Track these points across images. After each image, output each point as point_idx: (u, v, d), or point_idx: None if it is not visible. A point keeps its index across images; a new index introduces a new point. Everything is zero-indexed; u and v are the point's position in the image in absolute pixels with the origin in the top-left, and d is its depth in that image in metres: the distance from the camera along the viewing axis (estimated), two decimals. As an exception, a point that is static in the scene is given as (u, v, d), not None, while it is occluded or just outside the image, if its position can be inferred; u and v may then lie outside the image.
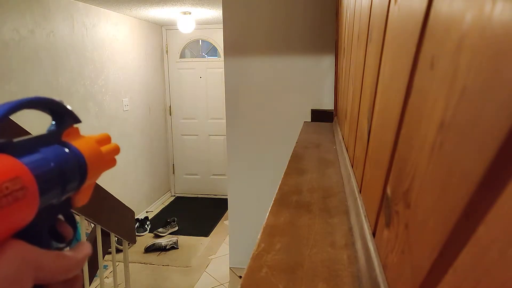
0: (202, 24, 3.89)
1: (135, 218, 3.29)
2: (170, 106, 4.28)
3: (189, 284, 2.72)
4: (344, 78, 1.23)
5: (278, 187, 0.82)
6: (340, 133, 1.21)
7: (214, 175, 4.36)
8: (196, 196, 4.43)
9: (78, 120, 0.29)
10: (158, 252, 3.14)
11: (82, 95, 2.84)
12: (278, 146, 2.07)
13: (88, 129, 2.72)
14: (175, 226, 3.53)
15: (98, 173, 0.30)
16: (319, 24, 1.95)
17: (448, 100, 0.24)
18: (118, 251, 2.51)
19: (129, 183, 3.51)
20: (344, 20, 1.27)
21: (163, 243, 3.17)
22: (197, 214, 3.95)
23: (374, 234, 0.46)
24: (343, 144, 1.03)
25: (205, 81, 4.16)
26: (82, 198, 0.29)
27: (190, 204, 4.25)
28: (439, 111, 0.25)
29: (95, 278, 2.21)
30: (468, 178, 0.20)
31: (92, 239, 1.66)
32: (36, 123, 1.70)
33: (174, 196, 4.48)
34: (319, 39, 1.96)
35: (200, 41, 4.13)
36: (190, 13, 3.27)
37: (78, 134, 0.29)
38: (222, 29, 2.04)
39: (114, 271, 1.87)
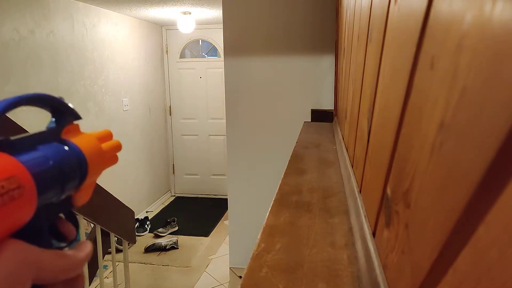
0: (202, 24, 3.89)
1: (135, 218, 3.29)
2: (170, 106, 4.28)
3: (189, 284, 2.72)
4: (344, 78, 1.23)
5: (278, 187, 0.82)
6: (340, 133, 1.21)
7: (214, 175, 4.36)
8: (196, 196, 4.43)
9: (78, 117, 0.29)
10: (158, 252, 3.14)
11: (82, 95, 2.84)
12: (278, 146, 2.07)
13: (88, 129, 2.67)
14: (175, 226, 3.53)
15: (99, 171, 0.29)
16: (319, 24, 1.95)
17: (448, 100, 0.24)
18: (118, 251, 2.51)
19: (129, 183, 3.51)
20: (344, 20, 1.27)
21: (163, 243, 3.17)
22: (197, 214, 3.95)
23: (374, 234, 0.46)
24: (343, 144, 1.03)
25: (205, 81, 4.16)
26: (83, 196, 0.28)
27: (190, 204, 4.25)
28: (439, 111, 0.25)
29: (95, 278, 2.21)
30: (468, 178, 0.20)
31: (92, 239, 1.66)
32: (34, 121, 1.70)
33: (174, 196, 4.48)
34: (319, 39, 1.96)
35: (200, 41, 4.13)
36: (190, 13, 3.27)
37: (78, 131, 0.29)
38: (222, 29, 2.04)
39: (114, 271, 1.87)
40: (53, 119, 0.27)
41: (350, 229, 0.61)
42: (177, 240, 3.25)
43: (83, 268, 0.26)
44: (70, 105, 0.28)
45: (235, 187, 2.19)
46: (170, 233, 3.47)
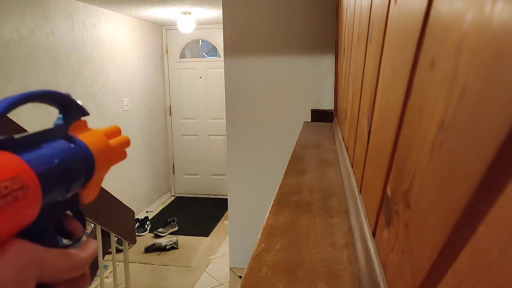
0: (202, 24, 3.89)
1: (135, 218, 3.29)
2: (170, 106, 4.28)
3: (189, 284, 2.72)
4: (344, 78, 1.23)
5: (278, 187, 0.82)
6: (340, 133, 1.21)
7: (214, 175, 4.36)
8: (196, 196, 4.43)
9: (86, 113, 0.28)
10: (158, 252, 3.14)
11: (82, 95, 2.84)
12: (278, 146, 2.07)
13: (88, 129, 2.70)
14: (175, 226, 3.53)
15: (106, 167, 0.29)
16: (319, 24, 1.95)
17: (448, 100, 0.24)
18: (118, 251, 2.51)
19: (129, 183, 3.51)
20: (344, 20, 1.27)
21: (163, 243, 3.17)
22: (197, 214, 3.95)
23: (374, 234, 0.46)
24: (343, 144, 1.03)
25: (205, 81, 4.16)
26: (90, 193, 0.28)
27: (190, 204, 4.25)
28: (439, 111, 0.25)
29: (95, 278, 2.21)
30: (468, 178, 0.20)
31: (92, 235, 1.66)
32: (34, 119, 1.70)
33: (174, 196, 4.48)
34: (319, 39, 1.96)
35: (200, 41, 4.13)
36: (190, 13, 3.27)
37: (86, 127, 0.28)
38: (222, 29, 2.04)
39: (114, 271, 1.87)
40: (61, 116, 0.27)
41: (350, 229, 0.61)
42: (177, 240, 3.25)
43: (87, 267, 0.26)
44: (78, 101, 0.28)
45: (235, 187, 2.19)
46: (170, 233, 3.47)
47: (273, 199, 0.75)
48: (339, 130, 1.29)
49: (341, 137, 1.14)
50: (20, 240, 0.20)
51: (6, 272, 0.19)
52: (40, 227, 0.23)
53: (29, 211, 0.20)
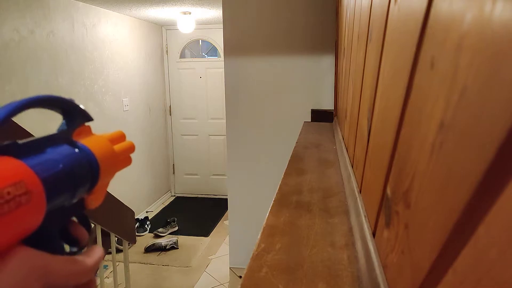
0: (202, 24, 3.89)
1: (135, 218, 3.29)
2: (170, 106, 4.28)
3: (189, 284, 2.72)
4: (344, 78, 1.23)
5: (278, 187, 0.82)
6: (340, 133, 1.21)
7: (214, 175, 4.36)
8: (196, 196, 4.43)
9: (90, 118, 0.28)
10: (158, 252, 3.14)
11: (82, 95, 2.84)
12: (278, 146, 2.07)
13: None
14: (175, 226, 3.53)
15: (112, 173, 0.29)
16: (319, 24, 1.95)
17: (448, 100, 0.24)
18: (118, 251, 2.51)
19: (129, 183, 3.51)
20: (344, 20, 1.27)
21: (163, 243, 3.17)
22: (197, 214, 3.95)
23: (374, 234, 0.46)
24: (343, 144, 1.03)
25: (205, 81, 4.16)
26: (96, 199, 0.28)
27: (190, 204, 4.25)
28: (439, 111, 0.25)
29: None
30: (468, 178, 0.20)
31: (92, 239, 1.66)
32: (37, 123, 1.70)
33: (174, 196, 4.48)
34: (319, 39, 1.96)
35: (200, 41, 4.13)
36: (190, 13, 3.27)
37: (90, 133, 0.28)
38: (222, 29, 2.04)
39: (114, 271, 1.87)
40: (64, 121, 0.27)
41: (350, 229, 0.61)
42: (177, 240, 3.25)
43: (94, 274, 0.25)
44: (81, 106, 0.27)
45: (235, 187, 2.19)
46: (170, 233, 3.47)
47: (273, 199, 0.75)
48: (339, 130, 1.29)
49: (341, 137, 1.14)
50: (24, 247, 0.20)
51: (10, 280, 0.18)
52: (45, 233, 0.22)
53: (33, 217, 0.20)
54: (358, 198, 0.61)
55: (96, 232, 1.65)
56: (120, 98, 3.34)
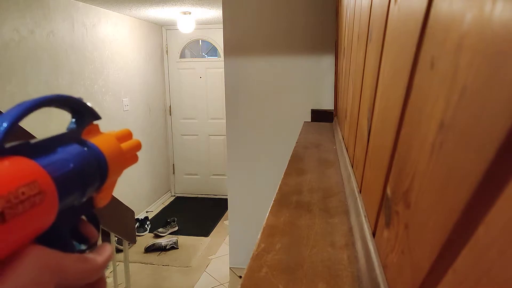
0: (202, 24, 3.89)
1: (135, 218, 3.29)
2: (170, 106, 4.28)
3: (189, 284, 2.72)
4: (344, 78, 1.23)
5: (278, 187, 0.82)
6: (340, 133, 1.21)
7: (214, 175, 4.36)
8: (196, 196, 4.43)
9: (98, 117, 0.28)
10: (158, 252, 3.14)
11: (82, 95, 2.84)
12: (278, 146, 2.07)
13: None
14: (175, 226, 3.53)
15: (119, 171, 0.29)
16: (319, 24, 1.95)
17: (448, 100, 0.24)
18: (118, 251, 2.51)
19: (129, 183, 3.51)
20: (344, 20, 1.27)
21: (163, 243, 3.17)
22: (197, 214, 3.95)
23: (374, 234, 0.46)
24: (343, 144, 1.03)
25: (205, 81, 4.16)
26: (104, 197, 0.28)
27: (190, 204, 4.25)
28: (439, 111, 0.25)
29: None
30: (468, 178, 0.20)
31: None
32: (39, 123, 1.70)
33: (174, 196, 4.48)
34: (319, 39, 1.96)
35: (200, 41, 4.13)
36: (190, 13, 3.27)
37: (98, 131, 0.28)
38: (222, 29, 2.04)
39: (114, 271, 1.87)
40: (73, 120, 0.27)
41: (350, 229, 0.61)
42: (177, 240, 3.25)
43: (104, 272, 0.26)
44: (90, 105, 0.28)
45: (235, 187, 2.19)
46: (170, 233, 3.47)
47: (273, 199, 0.75)
48: (339, 130, 1.29)
49: (341, 137, 1.14)
50: (38, 245, 0.20)
51: (25, 278, 0.19)
52: (57, 232, 0.23)
53: (47, 216, 0.20)
54: (358, 198, 0.61)
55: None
56: (120, 98, 3.34)
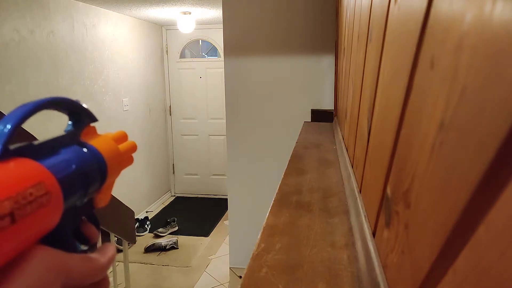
0: (202, 24, 3.89)
1: (135, 218, 3.29)
2: (170, 106, 4.28)
3: (189, 284, 2.72)
4: (344, 78, 1.23)
5: (278, 187, 0.82)
6: (340, 133, 1.21)
7: (214, 175, 4.36)
8: (196, 196, 4.43)
9: (95, 119, 0.29)
10: (158, 252, 3.14)
11: (82, 95, 2.84)
12: (278, 146, 2.07)
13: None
14: (175, 226, 3.53)
15: (117, 172, 0.29)
16: (319, 24, 1.95)
17: (448, 100, 0.24)
18: (118, 251, 2.51)
19: (129, 183, 3.51)
20: (344, 20, 1.27)
21: (163, 243, 3.17)
22: (197, 214, 3.95)
23: (374, 234, 0.46)
24: (343, 144, 1.03)
25: (205, 81, 4.16)
26: (104, 198, 0.28)
27: (190, 204, 4.25)
28: (439, 111, 0.25)
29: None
30: (468, 178, 0.20)
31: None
32: (37, 124, 1.69)
33: (174, 196, 4.48)
34: (319, 39, 1.96)
35: (200, 41, 4.13)
36: (190, 13, 3.27)
37: (95, 133, 0.29)
38: (222, 29, 2.04)
39: (114, 271, 1.87)
40: (70, 122, 0.27)
41: (350, 229, 0.61)
42: (177, 240, 3.25)
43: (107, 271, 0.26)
44: (86, 106, 0.28)
45: (235, 187, 2.19)
46: (170, 233, 3.47)
47: (273, 199, 0.75)
48: (339, 130, 1.29)
49: (341, 137, 1.14)
50: (44, 246, 0.21)
51: (33, 279, 0.19)
52: (61, 232, 0.23)
53: (53, 217, 0.21)
54: (358, 198, 0.61)
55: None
56: (120, 98, 3.34)
